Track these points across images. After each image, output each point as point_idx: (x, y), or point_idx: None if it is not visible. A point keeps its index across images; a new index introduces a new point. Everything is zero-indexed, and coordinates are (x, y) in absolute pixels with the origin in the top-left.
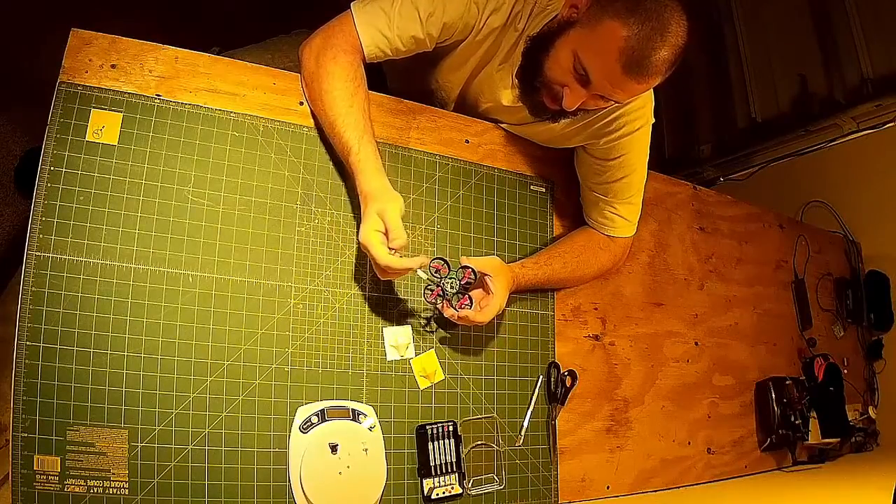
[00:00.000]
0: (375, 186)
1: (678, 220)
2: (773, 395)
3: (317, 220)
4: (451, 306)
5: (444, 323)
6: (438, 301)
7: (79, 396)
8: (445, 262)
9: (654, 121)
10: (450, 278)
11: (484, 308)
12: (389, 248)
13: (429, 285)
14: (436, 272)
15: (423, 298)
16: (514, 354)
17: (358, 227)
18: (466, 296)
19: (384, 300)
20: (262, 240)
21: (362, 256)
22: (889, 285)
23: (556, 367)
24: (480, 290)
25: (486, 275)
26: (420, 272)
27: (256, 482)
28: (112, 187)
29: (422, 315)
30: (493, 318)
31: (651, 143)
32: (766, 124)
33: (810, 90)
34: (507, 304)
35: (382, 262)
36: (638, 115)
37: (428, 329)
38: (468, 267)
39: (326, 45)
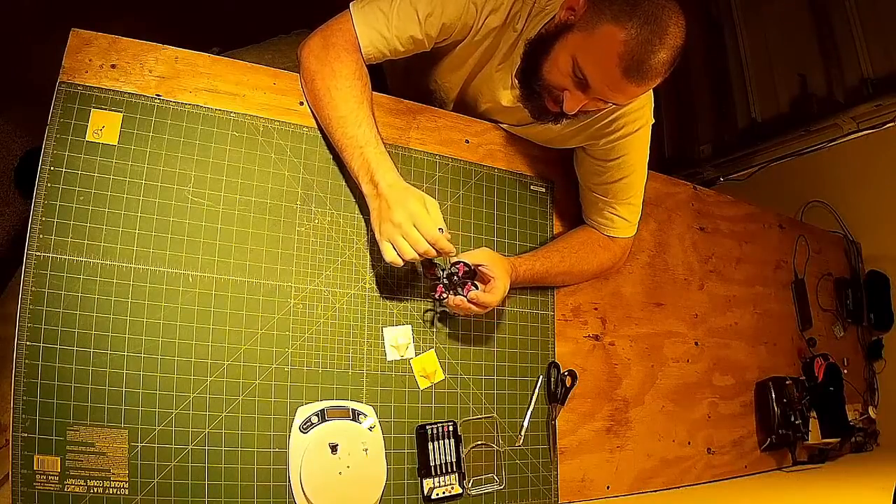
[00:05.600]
0: (398, 177)
1: (678, 220)
2: (773, 395)
3: (317, 220)
4: (458, 293)
5: (444, 323)
6: (445, 295)
7: (79, 396)
8: (437, 265)
9: (653, 121)
10: (445, 276)
11: (490, 290)
12: None
13: (432, 285)
14: (434, 277)
15: (426, 300)
16: (514, 354)
17: (359, 227)
18: (469, 283)
19: (384, 300)
20: (262, 240)
21: (362, 256)
22: (889, 285)
23: (556, 367)
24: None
25: (479, 265)
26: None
27: (256, 482)
28: (112, 187)
29: (422, 315)
30: (497, 307)
31: (651, 143)
32: (766, 124)
33: (810, 90)
34: (508, 304)
35: (431, 236)
36: (637, 115)
37: (428, 329)
38: (460, 262)
39: (327, 45)
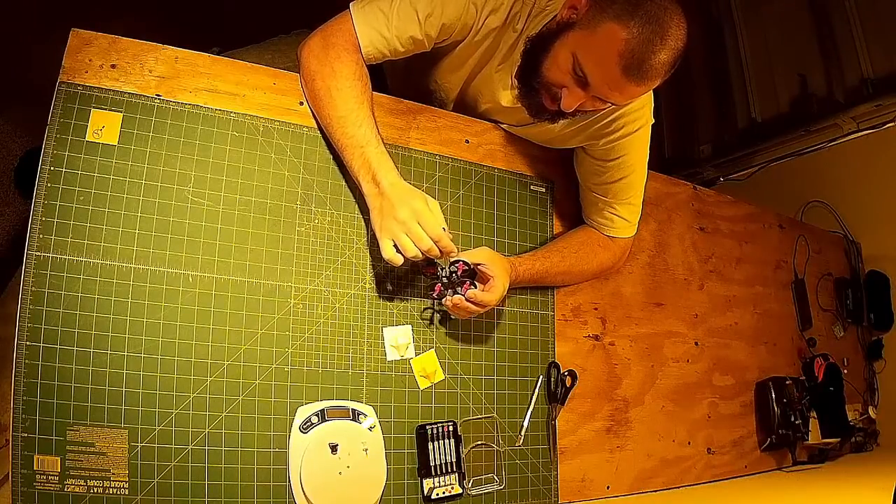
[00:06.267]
0: (400, 177)
1: (678, 220)
2: (773, 395)
3: (317, 220)
4: (457, 293)
5: (444, 323)
6: (444, 295)
7: (79, 396)
8: (436, 263)
9: (653, 121)
10: (445, 274)
11: (489, 289)
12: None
13: (431, 284)
14: (433, 276)
15: (426, 300)
16: (514, 354)
17: (359, 227)
18: (468, 282)
19: (384, 300)
20: (262, 240)
21: (362, 256)
22: (889, 285)
23: (556, 367)
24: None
25: (478, 264)
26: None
27: (256, 482)
28: (112, 187)
29: (422, 315)
30: (496, 307)
31: (651, 143)
32: (766, 124)
33: (810, 90)
34: (507, 304)
35: (435, 234)
36: (637, 115)
37: (428, 329)
38: (459, 260)
39: (327, 45)
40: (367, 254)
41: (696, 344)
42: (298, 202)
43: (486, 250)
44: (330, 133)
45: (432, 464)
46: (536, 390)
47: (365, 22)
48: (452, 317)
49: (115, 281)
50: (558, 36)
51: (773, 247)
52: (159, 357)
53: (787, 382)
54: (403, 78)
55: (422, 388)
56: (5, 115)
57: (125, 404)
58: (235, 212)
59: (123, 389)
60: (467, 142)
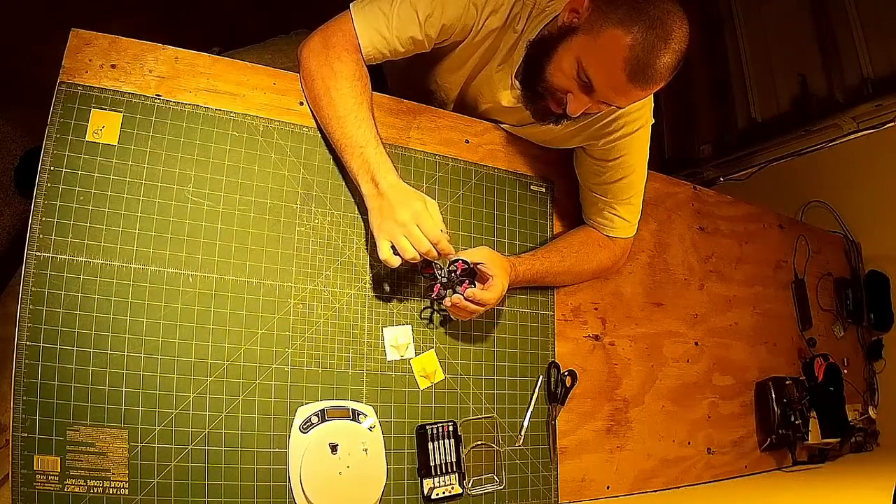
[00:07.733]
0: (399, 178)
1: (678, 220)
2: (773, 395)
3: (317, 220)
4: (455, 292)
5: (444, 322)
6: (443, 295)
7: (79, 396)
8: (434, 264)
9: (653, 121)
10: (444, 274)
11: (488, 288)
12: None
13: (429, 285)
14: (431, 276)
15: (426, 300)
16: (514, 354)
17: (359, 227)
18: (467, 281)
19: (384, 300)
20: (262, 240)
21: (362, 256)
22: (889, 285)
23: (556, 367)
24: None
25: (478, 263)
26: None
27: (256, 482)
28: (112, 187)
29: (422, 315)
30: (496, 307)
31: (651, 143)
32: (766, 124)
33: (810, 90)
34: (507, 304)
35: (434, 236)
36: (637, 115)
37: (428, 329)
38: (458, 259)
39: (327, 45)
40: (367, 254)
41: (696, 344)
42: (298, 202)
43: (485, 249)
44: (329, 133)
45: (432, 464)
46: (536, 390)
47: (365, 22)
48: (453, 318)
49: (115, 281)
50: (561, 40)
51: (773, 247)
52: (159, 357)
53: (787, 382)
54: (403, 78)
55: (422, 388)
56: (5, 115)
57: (125, 404)
58: (235, 212)
59: (123, 389)
60: (467, 142)
